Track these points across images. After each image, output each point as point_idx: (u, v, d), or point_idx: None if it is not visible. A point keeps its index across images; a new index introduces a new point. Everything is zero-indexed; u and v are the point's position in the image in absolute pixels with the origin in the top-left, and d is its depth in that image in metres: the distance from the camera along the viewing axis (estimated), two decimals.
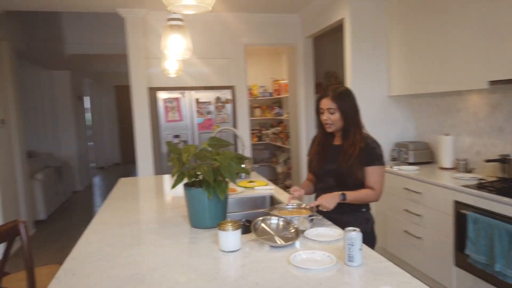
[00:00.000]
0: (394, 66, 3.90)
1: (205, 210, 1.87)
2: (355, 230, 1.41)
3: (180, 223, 1.99)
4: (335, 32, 4.82)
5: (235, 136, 4.85)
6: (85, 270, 1.44)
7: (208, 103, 4.69)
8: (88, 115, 9.77)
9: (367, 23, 3.93)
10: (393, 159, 3.73)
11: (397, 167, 3.55)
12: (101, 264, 1.50)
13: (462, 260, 2.68)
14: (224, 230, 1.56)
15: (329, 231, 1.75)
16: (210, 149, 1.88)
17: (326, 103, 2.01)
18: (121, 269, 1.44)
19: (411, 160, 3.68)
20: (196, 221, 1.89)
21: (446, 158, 3.40)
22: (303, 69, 5.19)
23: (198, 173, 1.84)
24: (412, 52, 3.59)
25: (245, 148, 2.39)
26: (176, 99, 4.62)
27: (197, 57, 4.78)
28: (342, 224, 2.01)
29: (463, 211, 2.63)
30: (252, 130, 7.61)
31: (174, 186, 1.83)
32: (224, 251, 1.57)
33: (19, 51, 5.29)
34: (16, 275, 2.13)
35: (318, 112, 2.08)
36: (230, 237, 1.56)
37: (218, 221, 1.92)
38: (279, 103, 7.24)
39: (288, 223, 1.71)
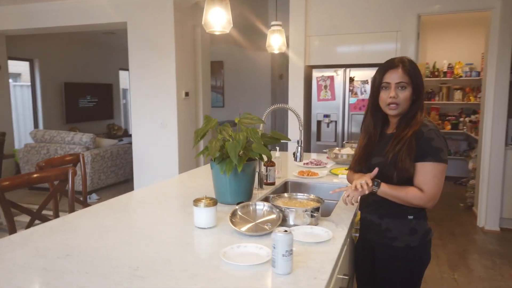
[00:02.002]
0: None
1: (226, 186, 1.86)
2: (286, 231, 1.14)
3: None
4: None
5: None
6: (77, 221, 1.66)
7: (364, 82, 4.32)
8: None
9: None
10: None
11: None
12: (96, 221, 1.65)
13: None
14: (196, 206, 1.53)
15: (322, 232, 1.44)
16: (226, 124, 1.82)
17: (396, 76, 1.54)
18: (104, 227, 1.57)
19: None
20: (219, 196, 1.89)
21: None
22: (498, 40, 4.06)
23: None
24: None
25: (302, 127, 2.15)
26: (330, 77, 4.45)
27: (356, 31, 4.44)
28: (380, 232, 1.62)
29: None
30: (448, 116, 6.51)
31: (196, 157, 1.88)
32: (197, 227, 1.54)
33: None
34: None
35: (378, 88, 1.60)
36: (202, 213, 1.53)
37: (240, 198, 1.89)
38: None
39: (271, 211, 1.51)
